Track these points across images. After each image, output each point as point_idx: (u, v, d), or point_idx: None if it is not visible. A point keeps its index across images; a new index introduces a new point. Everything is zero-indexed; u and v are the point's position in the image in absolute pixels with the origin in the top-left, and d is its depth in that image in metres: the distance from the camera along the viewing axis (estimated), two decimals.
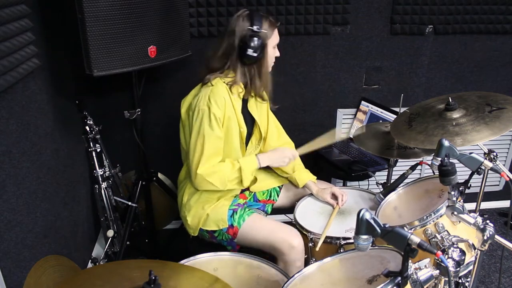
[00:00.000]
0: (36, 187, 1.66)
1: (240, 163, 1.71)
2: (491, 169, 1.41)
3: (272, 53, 1.74)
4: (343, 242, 1.63)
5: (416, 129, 1.63)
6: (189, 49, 2.14)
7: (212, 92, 1.66)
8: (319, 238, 1.66)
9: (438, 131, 1.55)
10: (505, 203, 3.02)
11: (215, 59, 1.73)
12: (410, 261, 1.00)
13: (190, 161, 1.68)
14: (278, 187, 2.01)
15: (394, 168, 2.13)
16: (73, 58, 2.04)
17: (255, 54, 1.66)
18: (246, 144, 1.86)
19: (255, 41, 1.64)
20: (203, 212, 1.76)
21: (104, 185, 2.31)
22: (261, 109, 1.90)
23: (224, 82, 1.71)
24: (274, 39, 1.72)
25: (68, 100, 2.12)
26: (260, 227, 1.74)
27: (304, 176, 1.95)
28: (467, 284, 1.47)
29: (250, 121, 1.84)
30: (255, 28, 1.64)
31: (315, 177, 1.98)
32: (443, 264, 1.06)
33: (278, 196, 1.99)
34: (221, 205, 1.79)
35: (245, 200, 1.92)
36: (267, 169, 2.05)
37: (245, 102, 1.81)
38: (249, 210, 1.80)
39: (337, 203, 1.85)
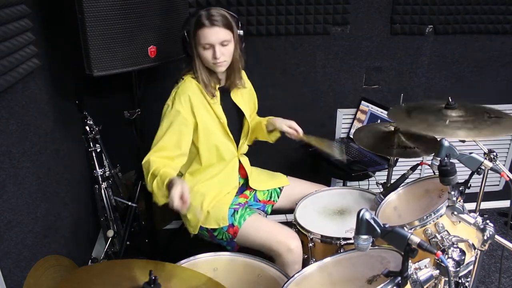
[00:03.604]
0: (36, 187, 1.66)
1: (161, 171, 1.61)
2: (491, 169, 1.41)
3: (204, 53, 1.65)
4: (343, 242, 1.63)
5: (417, 117, 1.63)
6: None
7: (179, 89, 1.70)
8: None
9: (440, 123, 1.55)
10: (505, 203, 3.02)
11: None
12: (410, 261, 1.00)
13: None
14: (279, 188, 2.00)
15: (394, 168, 2.12)
16: (73, 58, 2.04)
17: (183, 50, 1.69)
18: (240, 133, 1.88)
19: (182, 39, 1.67)
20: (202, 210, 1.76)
21: (104, 185, 2.31)
22: (245, 96, 1.90)
23: (193, 77, 1.72)
24: (200, 39, 1.62)
25: (68, 100, 2.12)
26: (260, 227, 1.74)
27: (262, 120, 1.99)
28: (467, 284, 1.47)
29: (235, 111, 1.86)
30: (185, 26, 1.66)
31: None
32: (443, 264, 1.05)
33: (278, 197, 2.00)
34: (221, 202, 1.79)
35: (246, 199, 1.93)
36: (269, 170, 2.07)
37: (226, 92, 1.81)
38: (250, 210, 1.80)
39: (297, 132, 1.88)
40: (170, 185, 1.47)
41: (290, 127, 1.89)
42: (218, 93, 1.75)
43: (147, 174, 1.62)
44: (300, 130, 1.89)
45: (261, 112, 2.06)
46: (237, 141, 1.86)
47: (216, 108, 1.74)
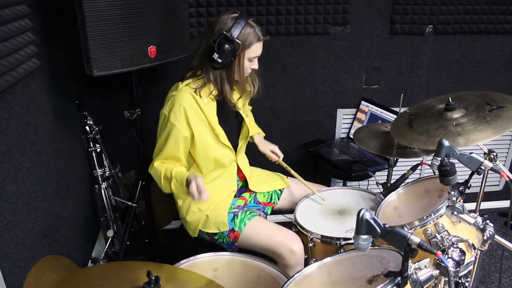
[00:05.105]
0: (36, 187, 1.66)
1: (173, 172, 1.67)
2: (491, 169, 1.41)
3: (248, 64, 1.67)
4: (343, 242, 1.63)
5: (417, 130, 1.62)
6: (189, 49, 2.14)
7: (174, 99, 1.65)
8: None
9: (440, 132, 1.54)
10: (505, 203, 3.02)
11: (194, 57, 1.70)
12: (410, 261, 1.00)
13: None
14: (279, 190, 2.00)
15: (394, 168, 2.13)
16: (73, 58, 2.04)
17: (220, 60, 1.59)
18: (238, 137, 1.86)
19: (225, 47, 1.57)
20: (201, 214, 1.76)
21: (104, 185, 2.31)
22: (243, 99, 1.88)
23: (191, 87, 1.66)
24: (252, 52, 1.63)
25: (68, 100, 2.12)
26: (261, 231, 1.72)
27: (254, 129, 2.06)
28: (467, 284, 1.47)
29: (234, 115, 1.84)
30: (231, 34, 1.57)
31: (263, 133, 2.11)
32: (443, 264, 1.05)
33: (279, 199, 1.99)
34: (220, 206, 1.78)
35: (245, 201, 1.92)
36: (269, 171, 2.07)
37: (222, 102, 1.76)
38: (250, 213, 1.78)
39: (278, 157, 1.99)
40: (187, 183, 1.58)
41: (272, 151, 1.99)
42: (214, 103, 1.72)
43: (159, 179, 1.70)
44: (281, 155, 2.00)
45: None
46: (235, 146, 1.83)
47: (212, 120, 1.70)
